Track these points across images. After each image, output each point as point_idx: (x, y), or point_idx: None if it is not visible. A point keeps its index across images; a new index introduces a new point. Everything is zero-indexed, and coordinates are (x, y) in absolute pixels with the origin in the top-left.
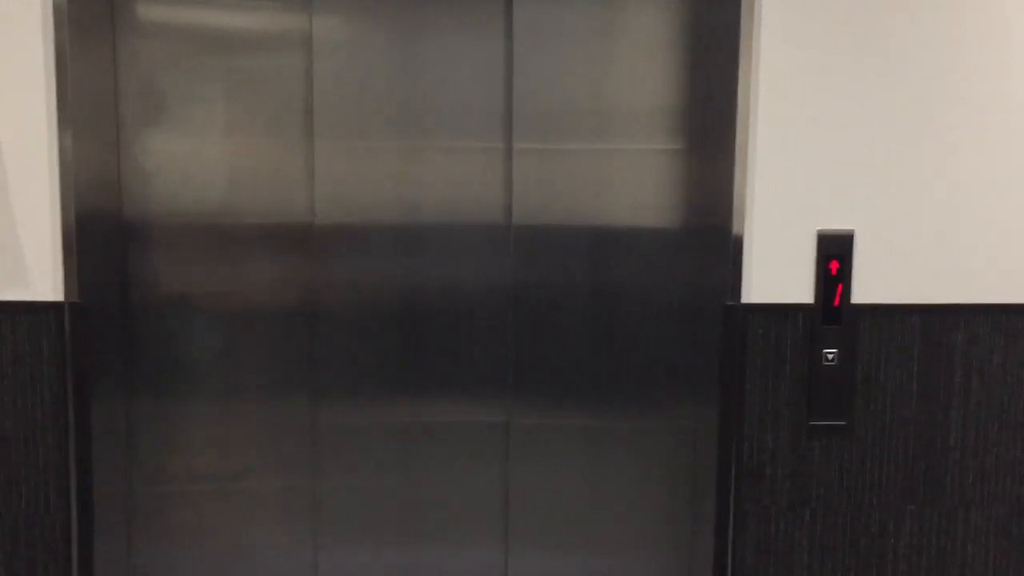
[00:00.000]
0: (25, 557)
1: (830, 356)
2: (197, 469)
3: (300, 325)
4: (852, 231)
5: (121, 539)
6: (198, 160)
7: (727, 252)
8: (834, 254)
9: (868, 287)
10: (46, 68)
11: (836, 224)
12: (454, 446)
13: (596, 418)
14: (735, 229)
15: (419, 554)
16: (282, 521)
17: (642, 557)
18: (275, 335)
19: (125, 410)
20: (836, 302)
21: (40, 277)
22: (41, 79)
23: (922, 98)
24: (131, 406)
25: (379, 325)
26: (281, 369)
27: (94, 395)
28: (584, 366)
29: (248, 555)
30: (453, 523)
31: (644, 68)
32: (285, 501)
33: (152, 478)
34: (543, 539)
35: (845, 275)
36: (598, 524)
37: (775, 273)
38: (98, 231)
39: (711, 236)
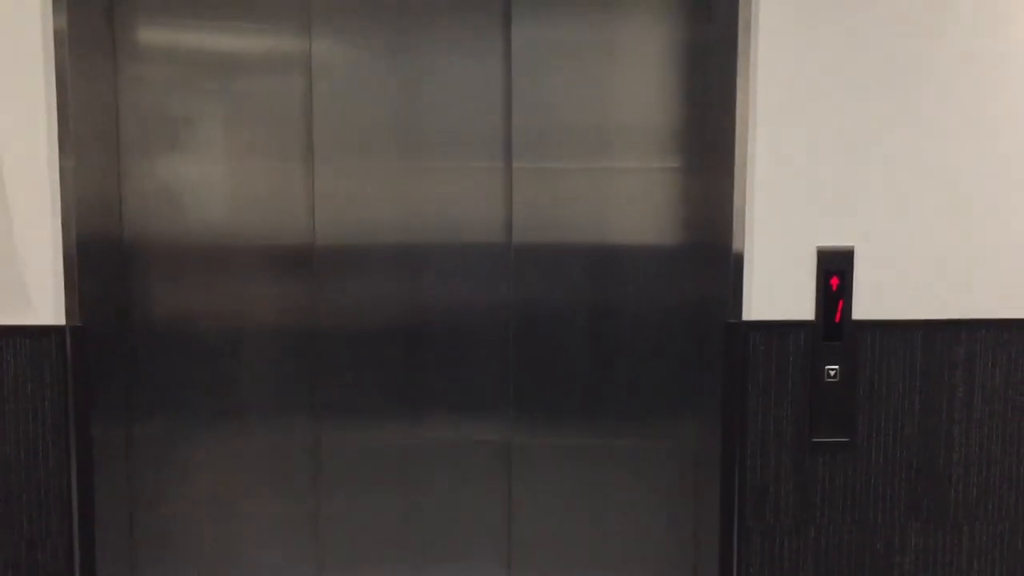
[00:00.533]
0: None
1: (832, 372)
2: (199, 490)
3: (301, 345)
4: (852, 247)
5: (124, 561)
6: (198, 182)
7: (727, 270)
8: (834, 270)
9: (869, 303)
10: (47, 92)
11: (836, 240)
12: (456, 466)
13: (598, 437)
14: (735, 246)
15: (421, 573)
16: (284, 541)
17: (646, 575)
18: (276, 356)
19: (126, 432)
20: (837, 318)
21: (41, 301)
22: (42, 103)
23: (922, 113)
24: (132, 428)
25: (380, 345)
26: (282, 389)
27: (95, 418)
28: (585, 385)
29: (251, 575)
30: (455, 542)
31: (642, 86)
32: (287, 521)
33: (154, 500)
34: (546, 558)
35: (846, 291)
36: (601, 543)
37: (775, 290)
38: (99, 255)
39: (711, 254)
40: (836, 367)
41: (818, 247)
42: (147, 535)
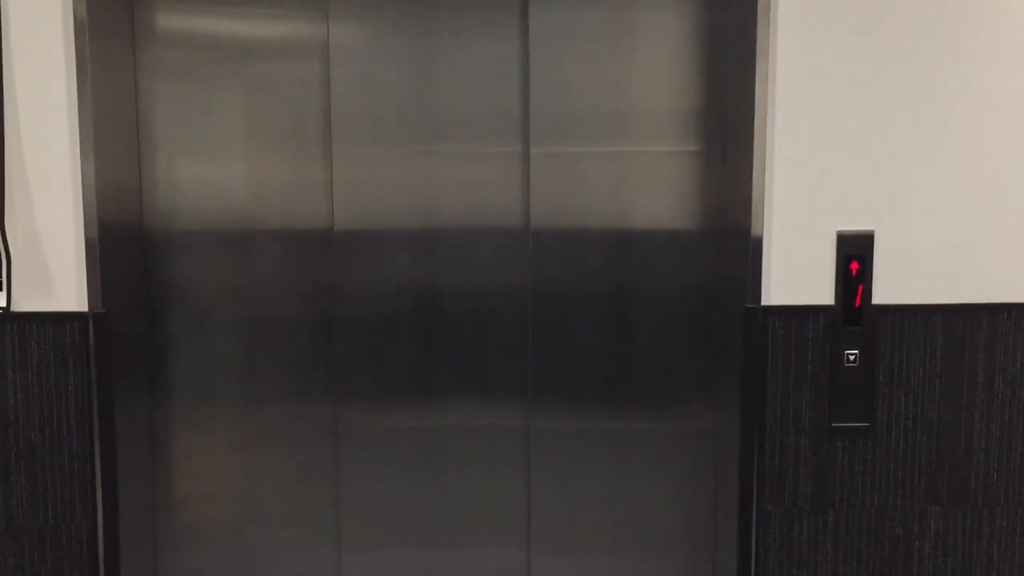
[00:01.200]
0: (52, 566)
1: (851, 357)
2: (220, 473)
3: (320, 331)
4: (872, 231)
5: (147, 545)
6: (217, 168)
7: (746, 254)
8: (854, 254)
9: (889, 287)
10: (67, 80)
11: (856, 224)
12: (475, 449)
13: (616, 420)
14: (754, 230)
15: (442, 557)
16: (305, 524)
17: (665, 559)
18: (295, 341)
19: (149, 417)
20: (857, 303)
21: (64, 288)
22: (62, 91)
23: (942, 96)
24: (155, 413)
25: (399, 330)
26: (302, 374)
27: (118, 403)
28: (604, 369)
29: (273, 558)
30: (475, 525)
31: (661, 70)
32: (307, 504)
33: (176, 484)
34: (565, 541)
35: (865, 275)
36: (620, 526)
37: (795, 274)
38: (120, 241)
39: (730, 238)
40: (856, 351)
41: (838, 231)
42: (170, 517)
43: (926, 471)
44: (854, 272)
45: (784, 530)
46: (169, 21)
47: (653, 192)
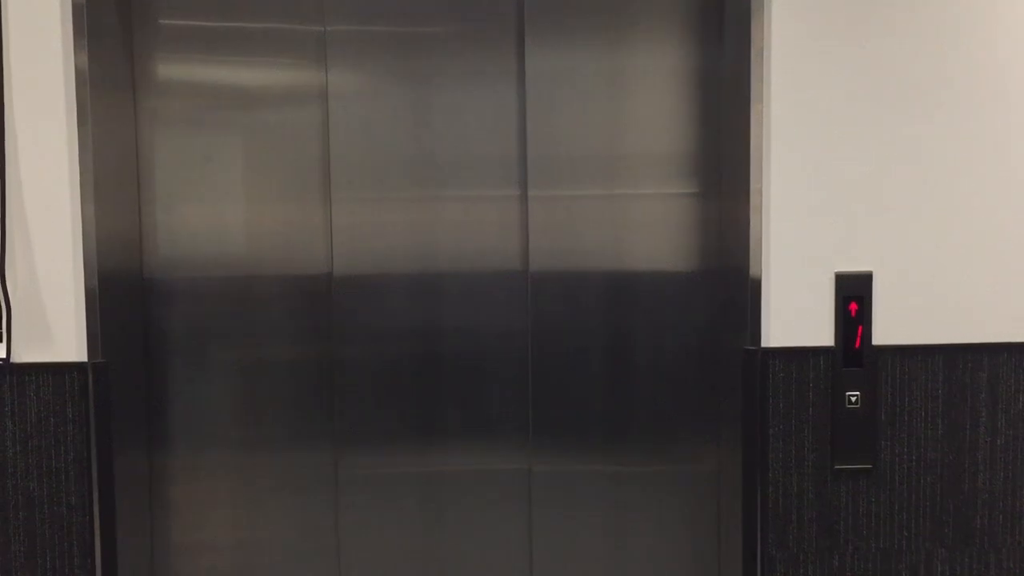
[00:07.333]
0: None
1: (853, 399)
2: (221, 522)
3: (320, 376)
4: (871, 272)
5: None
6: (217, 216)
7: (745, 295)
8: (853, 295)
9: (889, 328)
10: (68, 130)
11: (854, 265)
12: (476, 493)
13: (618, 464)
14: (752, 272)
15: None
16: (305, 570)
17: None
18: (295, 387)
19: (148, 467)
20: (857, 344)
21: (63, 338)
22: (63, 141)
23: (939, 137)
24: (154, 463)
25: (399, 374)
26: (302, 419)
27: (117, 453)
28: (604, 411)
29: None
30: (477, 570)
31: (657, 113)
32: (307, 550)
33: (176, 533)
34: None
35: (865, 316)
36: (623, 570)
37: (794, 316)
38: (120, 291)
39: (728, 280)
40: (857, 393)
41: (836, 272)
42: (169, 569)
43: (930, 513)
44: (853, 313)
45: (789, 574)
46: (169, 71)
47: (651, 234)
